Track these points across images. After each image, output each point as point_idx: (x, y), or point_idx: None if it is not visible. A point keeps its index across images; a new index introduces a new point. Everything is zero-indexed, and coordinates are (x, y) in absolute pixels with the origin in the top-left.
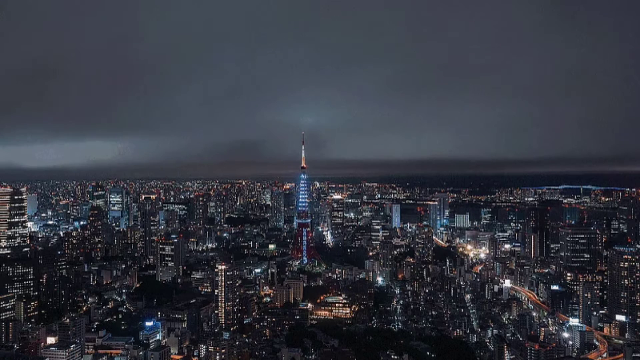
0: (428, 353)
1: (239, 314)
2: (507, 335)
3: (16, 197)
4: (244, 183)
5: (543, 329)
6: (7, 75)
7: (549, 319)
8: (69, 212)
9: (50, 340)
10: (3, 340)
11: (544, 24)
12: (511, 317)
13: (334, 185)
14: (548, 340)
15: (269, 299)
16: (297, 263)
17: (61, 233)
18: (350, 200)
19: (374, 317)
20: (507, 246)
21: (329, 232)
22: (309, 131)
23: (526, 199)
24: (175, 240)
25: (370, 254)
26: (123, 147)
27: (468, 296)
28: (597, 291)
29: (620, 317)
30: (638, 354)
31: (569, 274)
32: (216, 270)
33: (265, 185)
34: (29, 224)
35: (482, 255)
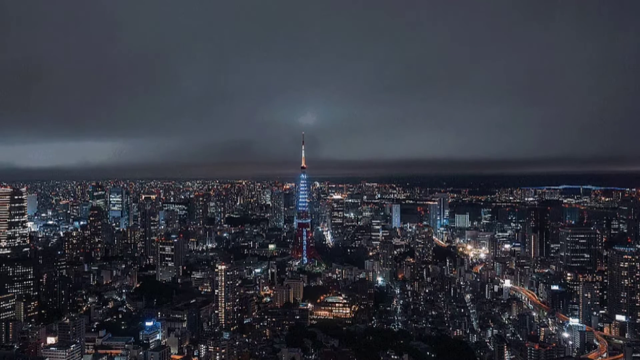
0: (428, 353)
1: (239, 314)
2: (507, 335)
3: (16, 197)
4: (244, 183)
5: (543, 329)
6: (6, 74)
7: (549, 319)
8: (69, 212)
9: (50, 340)
10: (3, 340)
11: (540, 22)
12: (511, 317)
13: (334, 185)
14: (548, 340)
15: (269, 299)
16: (297, 263)
17: (61, 233)
18: (350, 200)
19: (374, 317)
20: (507, 246)
21: (329, 232)
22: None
23: (526, 199)
24: (175, 240)
25: (370, 254)
26: (123, 147)
27: (468, 296)
28: (597, 291)
29: (620, 317)
30: (638, 354)
31: (569, 274)
32: (216, 270)
33: (265, 185)
34: (29, 224)
35: (482, 255)
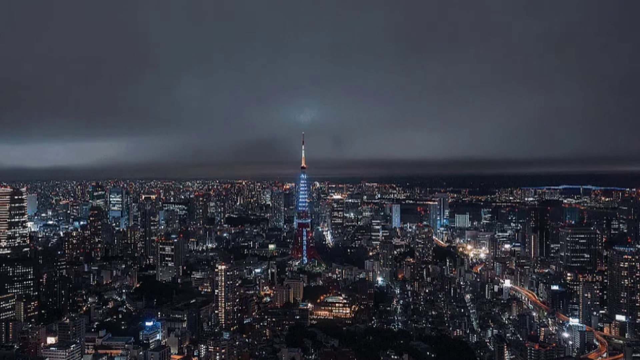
0: (428, 353)
1: (239, 314)
2: (507, 335)
3: (16, 197)
4: (244, 183)
5: (543, 329)
6: (7, 75)
7: (549, 319)
8: (69, 212)
9: (50, 340)
10: (3, 340)
11: (537, 19)
12: (511, 317)
13: (334, 185)
14: (548, 340)
15: (269, 299)
16: (297, 263)
17: (61, 233)
18: (350, 200)
19: (374, 317)
20: (507, 246)
21: (329, 232)
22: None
23: (526, 199)
24: (175, 240)
25: (370, 254)
26: (123, 147)
27: (468, 296)
28: (597, 291)
29: (620, 317)
30: (638, 354)
31: (569, 274)
32: (216, 270)
33: (265, 185)
34: (29, 224)
35: (482, 255)
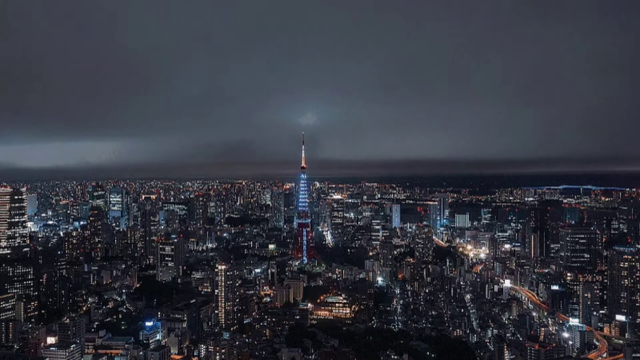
0: (428, 353)
1: (239, 314)
2: (507, 335)
3: (16, 197)
4: (244, 183)
5: (543, 329)
6: (4, 74)
7: (549, 319)
8: (69, 212)
9: (50, 340)
10: (3, 340)
11: (539, 21)
12: (511, 317)
13: (334, 185)
14: (548, 340)
15: (269, 299)
16: (297, 263)
17: (61, 233)
18: (350, 200)
19: (374, 317)
20: (507, 246)
21: (329, 232)
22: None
23: (526, 199)
24: (175, 240)
25: (370, 254)
26: (123, 147)
27: (468, 296)
28: (597, 291)
29: (620, 317)
30: (638, 354)
31: (569, 274)
32: (216, 270)
33: (265, 185)
34: (29, 224)
35: (482, 255)
